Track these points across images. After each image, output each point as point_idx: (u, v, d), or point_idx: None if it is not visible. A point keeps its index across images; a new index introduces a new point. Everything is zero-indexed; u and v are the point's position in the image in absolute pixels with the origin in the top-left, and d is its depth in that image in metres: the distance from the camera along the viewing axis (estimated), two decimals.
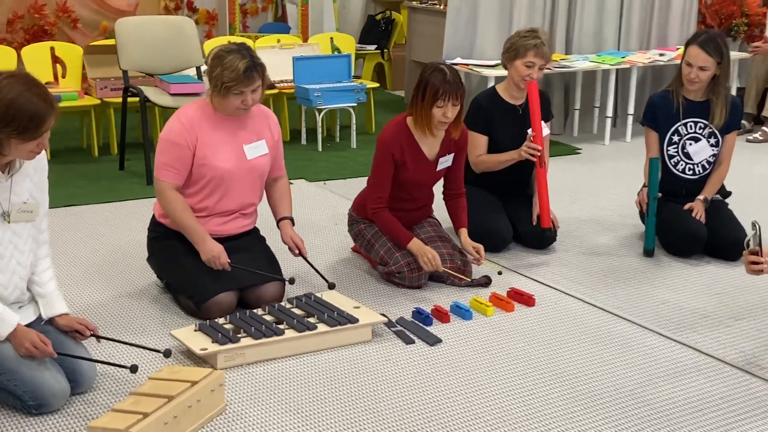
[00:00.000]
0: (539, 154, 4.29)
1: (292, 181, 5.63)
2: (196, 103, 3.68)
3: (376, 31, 9.47)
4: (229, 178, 3.61)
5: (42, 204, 2.98)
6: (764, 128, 7.22)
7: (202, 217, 3.62)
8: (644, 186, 4.47)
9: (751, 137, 7.19)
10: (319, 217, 5.02)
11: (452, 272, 3.93)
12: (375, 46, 9.33)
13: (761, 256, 3.10)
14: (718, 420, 2.91)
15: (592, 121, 7.40)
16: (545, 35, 4.40)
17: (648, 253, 4.42)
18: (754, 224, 3.11)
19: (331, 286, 3.68)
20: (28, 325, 2.87)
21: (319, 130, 6.61)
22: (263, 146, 3.72)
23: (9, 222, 2.85)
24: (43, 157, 2.97)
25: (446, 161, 4.04)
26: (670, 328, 3.61)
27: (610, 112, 7.05)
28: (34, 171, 2.93)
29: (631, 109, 7.11)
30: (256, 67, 3.51)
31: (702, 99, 4.50)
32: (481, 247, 4.03)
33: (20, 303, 2.95)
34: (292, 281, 3.68)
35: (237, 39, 7.40)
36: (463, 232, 4.09)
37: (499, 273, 4.11)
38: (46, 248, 3.04)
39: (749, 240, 3.12)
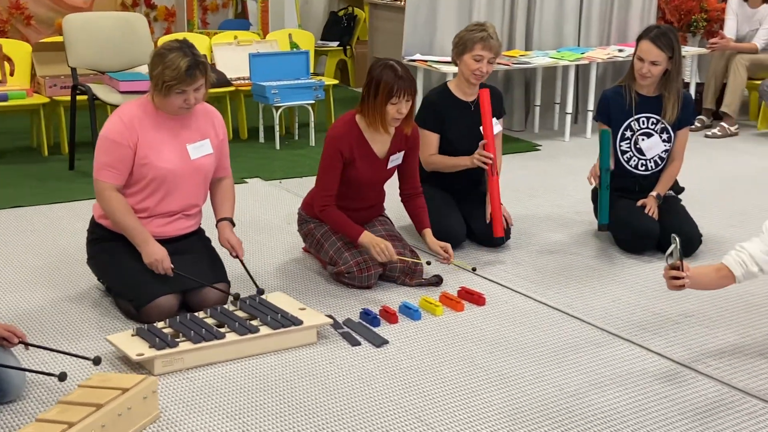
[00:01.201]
0: (491, 162, 4.23)
1: (247, 179, 5.58)
2: (137, 101, 3.58)
3: (338, 28, 9.39)
4: (172, 179, 3.52)
5: None
6: (723, 124, 7.22)
7: (143, 218, 3.52)
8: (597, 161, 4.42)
9: (709, 133, 7.19)
10: (272, 216, 4.93)
11: (408, 259, 3.86)
12: (337, 42, 9.24)
13: (682, 270, 3.04)
14: (663, 419, 2.87)
15: (552, 117, 7.37)
16: (493, 28, 4.34)
17: (602, 228, 4.36)
18: (673, 238, 3.03)
19: (260, 292, 3.56)
20: None
21: (276, 128, 6.52)
22: (207, 146, 3.63)
23: None
24: None
25: (396, 159, 3.97)
26: (619, 327, 3.57)
27: (570, 109, 7.02)
28: None
29: (590, 105, 7.08)
30: (198, 66, 3.42)
31: (654, 94, 4.47)
32: (449, 246, 3.97)
33: None
34: (236, 297, 3.53)
35: (196, 36, 7.30)
36: (428, 232, 4.02)
37: (473, 270, 4.05)
38: None
39: (670, 254, 3.04)
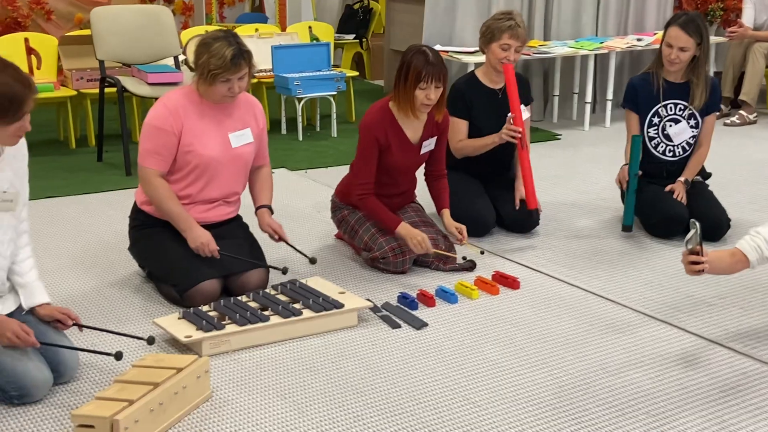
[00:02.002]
0: (520, 135, 4.27)
1: (273, 170, 5.62)
2: (181, 89, 3.64)
3: (354, 21, 9.43)
4: (214, 166, 3.58)
5: (22, 193, 2.93)
6: (741, 112, 7.26)
7: (185, 205, 3.58)
8: (625, 164, 4.47)
9: (728, 121, 7.22)
10: (302, 205, 4.99)
11: (442, 252, 3.91)
12: (353, 35, 9.29)
13: (702, 255, 3.04)
14: (704, 395, 2.92)
15: (571, 107, 7.41)
16: (520, 17, 4.38)
17: (626, 229, 4.42)
18: (693, 222, 3.03)
19: (312, 261, 3.65)
20: (7, 316, 2.83)
21: (299, 119, 6.57)
22: (248, 135, 3.68)
23: None
24: (23, 145, 2.93)
25: (429, 144, 4.02)
26: (654, 309, 3.61)
27: (589, 98, 7.06)
28: (14, 159, 2.89)
29: (610, 95, 7.12)
30: (243, 55, 3.47)
31: (682, 81, 4.51)
32: (463, 227, 4.02)
33: (0, 293, 2.90)
34: (285, 271, 3.64)
35: (213, 29, 7.35)
36: (446, 213, 4.08)
37: (481, 253, 4.10)
38: (26, 237, 3.00)
39: (689, 239, 3.03)
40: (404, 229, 3.85)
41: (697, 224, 3.02)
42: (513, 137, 4.27)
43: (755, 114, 7.30)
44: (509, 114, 4.30)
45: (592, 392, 2.94)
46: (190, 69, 3.58)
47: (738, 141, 6.69)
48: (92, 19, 5.65)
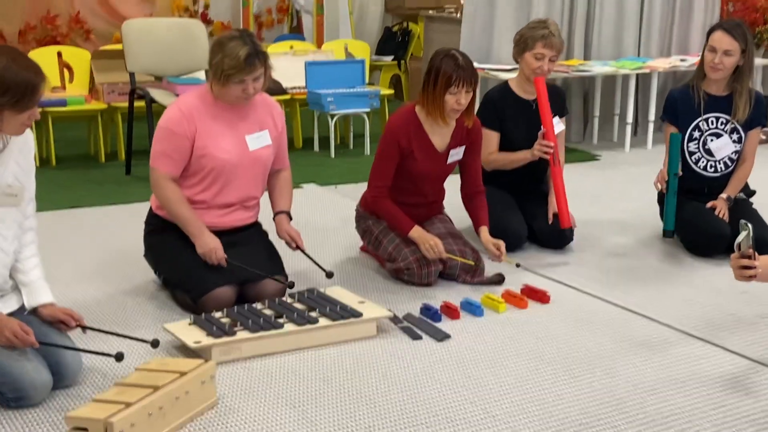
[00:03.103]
0: (552, 151, 4.11)
1: (302, 184, 5.52)
2: (196, 91, 3.54)
3: (392, 43, 9.35)
4: (230, 170, 3.46)
5: (28, 188, 2.83)
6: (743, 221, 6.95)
7: (201, 209, 3.47)
8: (664, 165, 4.27)
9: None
10: (328, 219, 4.86)
11: (459, 259, 3.75)
12: (392, 57, 9.20)
13: (754, 260, 2.78)
14: (745, 417, 2.70)
15: (612, 128, 7.21)
16: (555, 26, 4.24)
17: (667, 234, 4.22)
18: (744, 224, 2.77)
19: (329, 275, 3.49)
20: (9, 315, 2.72)
21: (332, 135, 6.46)
22: (266, 137, 3.57)
23: None
24: (29, 139, 2.84)
25: (457, 154, 3.87)
26: (692, 327, 3.40)
27: (630, 119, 6.86)
28: (20, 153, 2.80)
29: (652, 116, 6.91)
30: (257, 55, 3.36)
31: (724, 93, 4.32)
32: (501, 243, 3.85)
33: (2, 292, 2.80)
34: (291, 285, 3.48)
35: None
36: (484, 229, 3.91)
37: (517, 265, 3.92)
38: (32, 235, 2.89)
39: (740, 241, 2.78)
40: (417, 232, 3.71)
41: (749, 226, 2.78)
42: (545, 153, 4.10)
43: None
44: (541, 130, 4.13)
45: (622, 410, 2.75)
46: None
47: None
48: (124, 31, 5.62)
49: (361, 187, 5.37)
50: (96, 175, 5.80)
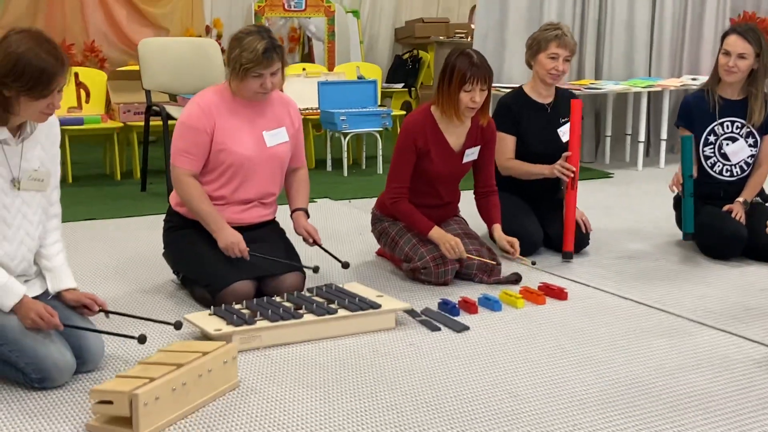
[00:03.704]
0: (572, 175, 4.11)
1: (316, 200, 5.54)
2: (214, 87, 3.58)
3: (403, 70, 9.44)
4: (249, 165, 3.49)
5: (53, 174, 2.86)
6: None
7: (220, 205, 3.49)
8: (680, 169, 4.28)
9: None
10: (344, 228, 4.88)
11: (478, 258, 3.75)
12: (402, 84, 9.28)
13: None
14: (764, 402, 2.70)
15: (624, 148, 7.24)
16: (567, 27, 4.29)
17: (687, 237, 4.21)
18: None
19: (345, 266, 3.48)
20: (33, 299, 2.74)
21: (345, 154, 6.50)
22: (283, 133, 3.60)
23: (19, 189, 2.72)
24: (55, 126, 2.86)
25: (472, 153, 3.90)
26: (713, 319, 3.40)
27: (642, 137, 6.89)
28: (46, 139, 2.82)
29: (664, 135, 6.95)
30: (275, 49, 3.41)
31: (739, 97, 4.35)
32: (515, 240, 3.87)
33: (26, 276, 2.81)
34: (316, 270, 3.52)
35: None
36: (497, 227, 3.93)
37: (533, 263, 3.92)
38: (56, 221, 2.91)
39: None
40: (437, 232, 3.72)
41: None
42: (565, 175, 4.11)
43: None
44: (566, 153, 4.14)
45: (643, 390, 2.74)
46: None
47: None
48: (140, 50, 5.69)
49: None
50: (112, 192, 5.84)
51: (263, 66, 3.37)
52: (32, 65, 2.54)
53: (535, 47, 4.28)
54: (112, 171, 6.32)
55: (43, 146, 2.80)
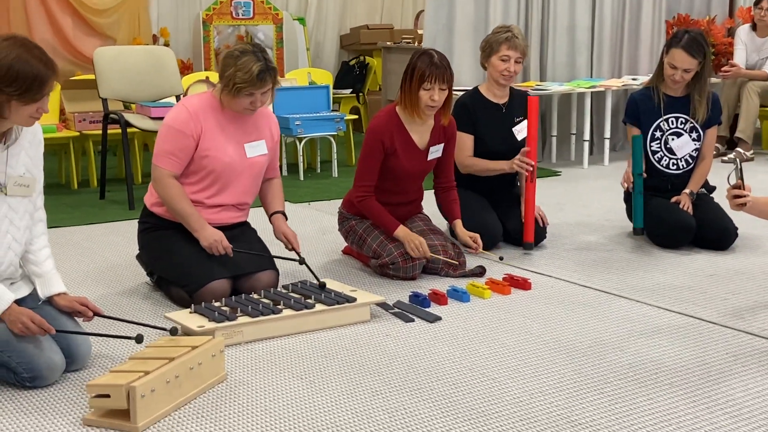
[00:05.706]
0: (531, 169, 4.29)
1: None
2: (202, 95, 3.66)
3: (350, 76, 9.55)
4: (229, 173, 3.58)
5: (38, 180, 2.92)
6: (738, 149, 7.31)
7: (196, 208, 3.57)
8: (629, 166, 4.48)
9: (725, 158, 7.26)
10: (307, 229, 4.97)
11: (443, 258, 3.89)
12: (350, 90, 9.40)
13: (743, 189, 3.12)
14: (716, 366, 2.88)
15: (569, 148, 7.46)
16: (518, 29, 4.46)
17: (637, 232, 4.43)
18: (732, 158, 3.16)
19: (321, 286, 3.53)
20: (20, 301, 2.79)
21: (301, 158, 6.60)
22: (263, 146, 3.70)
23: (5, 194, 2.78)
24: (39, 132, 2.93)
25: (437, 151, 4.04)
26: (668, 302, 3.59)
27: (587, 136, 7.11)
28: (30, 145, 2.88)
29: (607, 133, 7.18)
30: (269, 71, 3.49)
31: (682, 95, 4.56)
32: (477, 236, 4.02)
33: (12, 280, 2.87)
34: (302, 261, 3.62)
35: (214, 75, 7.43)
36: (458, 223, 4.07)
37: (500, 259, 4.09)
38: (43, 226, 2.97)
39: (730, 175, 3.14)
40: (402, 231, 3.85)
41: (737, 159, 3.12)
42: (525, 170, 4.28)
43: (752, 151, 7.36)
44: (524, 148, 4.30)
45: (611, 369, 2.91)
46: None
47: None
48: (96, 58, 5.72)
49: (334, 204, 5.52)
50: (70, 200, 5.84)
51: (256, 87, 3.46)
52: (24, 71, 2.62)
53: (487, 50, 4.45)
54: (68, 180, 6.32)
55: (27, 152, 2.87)
